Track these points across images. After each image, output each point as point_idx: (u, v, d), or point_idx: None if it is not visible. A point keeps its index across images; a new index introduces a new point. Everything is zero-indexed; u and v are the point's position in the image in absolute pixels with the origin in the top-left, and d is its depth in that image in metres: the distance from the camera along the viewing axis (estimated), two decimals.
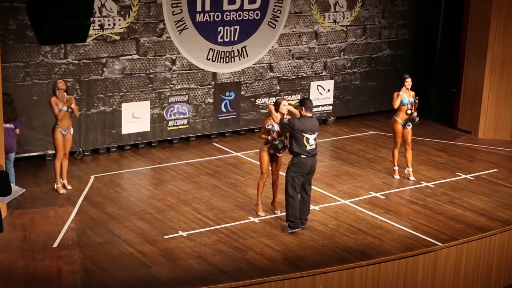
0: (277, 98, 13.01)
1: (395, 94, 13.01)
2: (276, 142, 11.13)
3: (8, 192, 9.39)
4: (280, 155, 11.34)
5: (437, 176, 13.65)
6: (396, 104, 13.01)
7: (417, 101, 13.04)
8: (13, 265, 9.78)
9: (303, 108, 10.97)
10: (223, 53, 15.12)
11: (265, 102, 15.70)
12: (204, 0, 14.65)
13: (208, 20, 14.80)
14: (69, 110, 11.99)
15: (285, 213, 11.15)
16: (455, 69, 16.71)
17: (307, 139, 10.77)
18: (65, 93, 11.99)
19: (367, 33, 16.92)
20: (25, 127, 13.30)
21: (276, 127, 11.14)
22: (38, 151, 13.59)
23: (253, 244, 10.63)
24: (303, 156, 10.79)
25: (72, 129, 12.18)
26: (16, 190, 10.10)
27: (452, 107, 16.81)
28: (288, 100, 16.09)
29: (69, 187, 12.32)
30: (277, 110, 11.21)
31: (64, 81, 12.18)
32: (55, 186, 12.22)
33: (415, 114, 13.02)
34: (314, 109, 16.49)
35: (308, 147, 10.79)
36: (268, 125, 11.21)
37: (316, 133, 10.91)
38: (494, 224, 11.56)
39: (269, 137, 11.24)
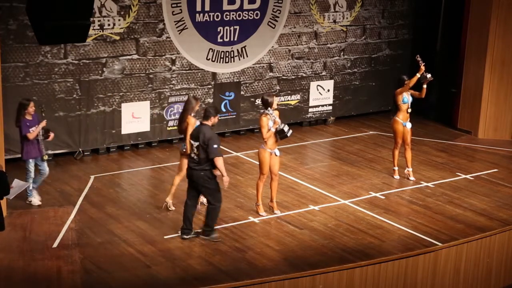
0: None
1: (398, 91, 12.92)
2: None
3: (6, 192, 9.43)
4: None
5: (437, 176, 13.65)
6: (399, 100, 12.91)
7: (423, 67, 12.81)
8: (13, 265, 9.78)
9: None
10: (222, 53, 15.12)
11: None
12: (204, 0, 14.66)
13: (208, 20, 14.80)
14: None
15: (280, 214, 11.09)
16: (455, 69, 16.70)
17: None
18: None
19: (367, 33, 16.92)
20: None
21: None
22: None
23: (253, 244, 10.63)
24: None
25: (277, 151, 11.34)
26: (21, 184, 10.13)
27: (452, 107, 16.80)
28: (287, 101, 16.30)
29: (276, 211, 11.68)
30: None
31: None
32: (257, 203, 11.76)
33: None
34: (314, 109, 16.58)
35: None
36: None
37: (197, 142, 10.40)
38: (494, 224, 11.56)
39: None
